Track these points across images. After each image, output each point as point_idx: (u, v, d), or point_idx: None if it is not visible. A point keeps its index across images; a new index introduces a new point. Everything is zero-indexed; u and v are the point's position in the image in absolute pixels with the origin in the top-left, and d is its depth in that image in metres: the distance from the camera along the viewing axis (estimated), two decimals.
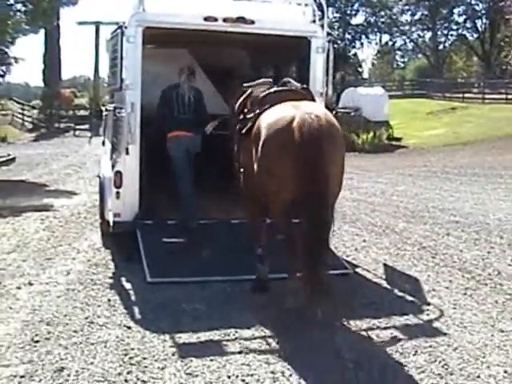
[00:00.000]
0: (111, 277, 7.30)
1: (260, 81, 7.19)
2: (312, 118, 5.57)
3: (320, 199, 5.41)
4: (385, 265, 8.12)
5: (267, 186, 5.88)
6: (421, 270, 7.85)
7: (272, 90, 6.61)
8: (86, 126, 35.77)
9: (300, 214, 5.59)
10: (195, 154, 8.31)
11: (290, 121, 5.66)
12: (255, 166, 6.00)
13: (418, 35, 64.69)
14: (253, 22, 7.99)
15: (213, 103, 8.96)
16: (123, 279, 7.19)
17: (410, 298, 6.74)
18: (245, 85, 7.19)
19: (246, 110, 6.73)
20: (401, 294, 6.92)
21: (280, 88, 6.67)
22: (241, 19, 7.94)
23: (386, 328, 5.78)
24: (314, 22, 8.28)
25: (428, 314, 6.21)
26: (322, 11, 8.33)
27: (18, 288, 6.82)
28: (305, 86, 7.08)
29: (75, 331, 5.55)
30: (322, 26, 8.25)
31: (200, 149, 8.29)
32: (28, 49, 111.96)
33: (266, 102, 6.33)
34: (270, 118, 5.97)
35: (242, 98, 7.02)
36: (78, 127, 37.03)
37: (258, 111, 6.33)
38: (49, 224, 10.36)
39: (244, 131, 6.46)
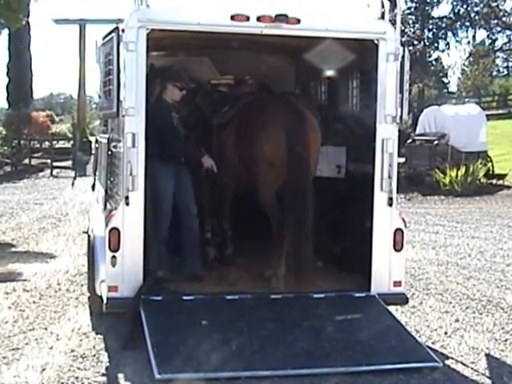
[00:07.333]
0: (104, 373, 7.32)
1: None
2: None
3: None
4: (488, 355, 8.06)
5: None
6: None
7: None
8: (68, 163, 36.26)
9: None
10: None
11: None
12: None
13: None
14: (298, 21, 8.04)
15: None
16: (121, 376, 7.21)
17: None
18: None
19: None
20: None
21: None
22: (281, 17, 7.96)
23: None
24: (383, 17, 8.34)
25: None
26: (394, 1, 8.36)
27: None
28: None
29: None
30: (394, 23, 8.29)
31: None
32: None
33: None
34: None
35: None
36: (56, 164, 37.46)
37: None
38: (16, 299, 10.40)
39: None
